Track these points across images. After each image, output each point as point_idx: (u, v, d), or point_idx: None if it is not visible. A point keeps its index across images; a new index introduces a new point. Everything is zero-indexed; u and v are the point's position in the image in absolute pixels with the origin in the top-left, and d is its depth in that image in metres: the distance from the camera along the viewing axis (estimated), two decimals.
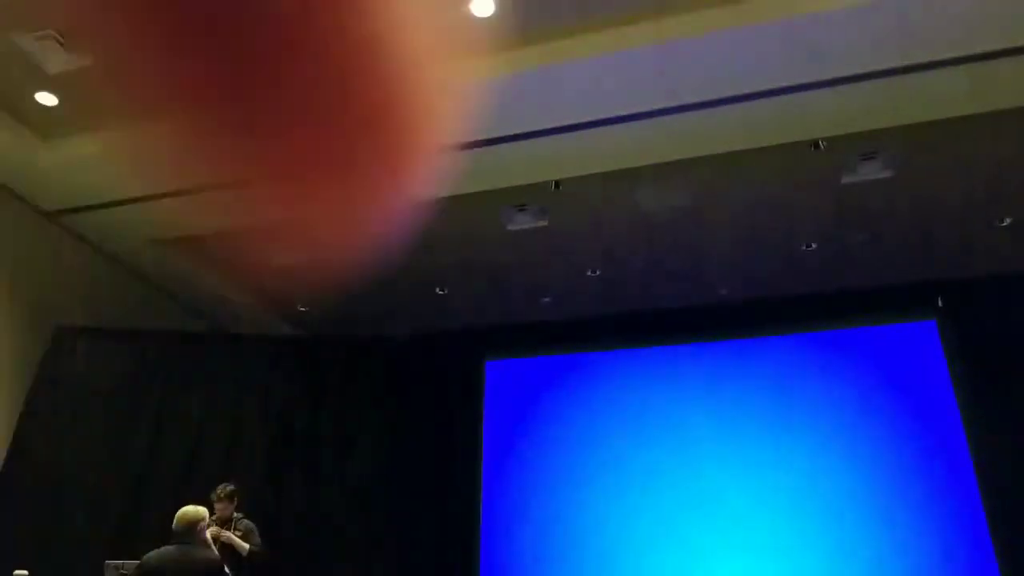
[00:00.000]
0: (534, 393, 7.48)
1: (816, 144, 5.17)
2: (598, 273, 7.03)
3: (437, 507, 7.08)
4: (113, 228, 6.48)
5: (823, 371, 6.73)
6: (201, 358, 6.97)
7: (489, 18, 4.51)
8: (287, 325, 8.21)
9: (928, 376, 6.50)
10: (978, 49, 4.40)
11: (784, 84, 4.71)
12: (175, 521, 4.09)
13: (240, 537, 5.17)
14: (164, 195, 5.75)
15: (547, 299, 7.55)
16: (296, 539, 6.55)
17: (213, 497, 5.26)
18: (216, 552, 4.70)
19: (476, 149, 5.26)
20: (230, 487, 5.36)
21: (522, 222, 6.22)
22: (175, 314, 7.69)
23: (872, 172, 5.59)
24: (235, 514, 5.32)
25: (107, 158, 5.43)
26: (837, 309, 6.92)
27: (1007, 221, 6.14)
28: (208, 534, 4.47)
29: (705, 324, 7.21)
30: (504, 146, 5.22)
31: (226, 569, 4.73)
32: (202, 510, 4.23)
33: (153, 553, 4.02)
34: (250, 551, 5.18)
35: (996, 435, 6.16)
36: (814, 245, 6.53)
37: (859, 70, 4.57)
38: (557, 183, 5.57)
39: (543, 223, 6.22)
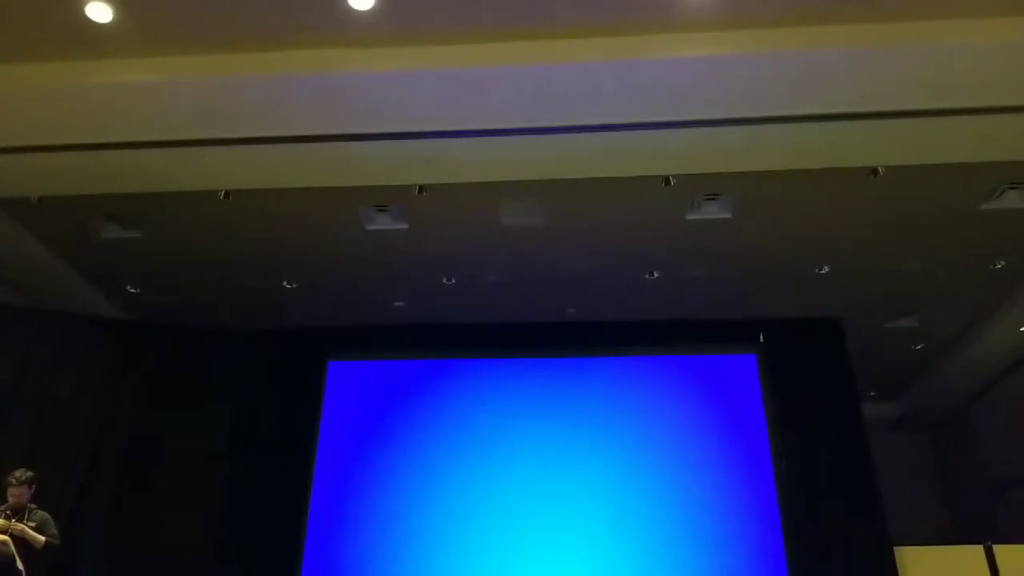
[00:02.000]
0: (376, 396, 7.41)
1: (667, 180, 5.47)
2: (453, 281, 7.07)
3: (266, 505, 6.86)
4: None
5: (653, 393, 7.17)
6: (13, 331, 6.37)
7: (367, 12, 4.46)
8: (115, 307, 7.65)
9: (745, 404, 7.08)
10: (814, 110, 4.84)
11: (643, 120, 4.96)
12: None
13: (34, 529, 4.80)
14: None
15: (400, 303, 7.50)
16: (101, 535, 6.12)
17: (10, 481, 4.84)
18: (5, 545, 4.34)
19: (341, 143, 5.18)
20: (29, 473, 4.97)
21: (382, 223, 6.16)
22: None
23: (713, 212, 5.99)
24: (30, 504, 4.93)
25: None
26: (672, 336, 7.38)
27: (825, 269, 6.77)
28: None
29: (550, 340, 7.46)
30: (370, 143, 5.16)
31: (18, 563, 4.37)
32: None
33: None
34: (47, 543, 4.80)
35: (798, 461, 6.82)
36: (657, 274, 6.90)
37: (713, 115, 4.90)
38: (421, 187, 5.56)
39: (403, 226, 6.19)
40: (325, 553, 6.80)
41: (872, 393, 9.77)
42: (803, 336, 7.37)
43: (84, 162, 5.39)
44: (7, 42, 4.68)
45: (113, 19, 4.51)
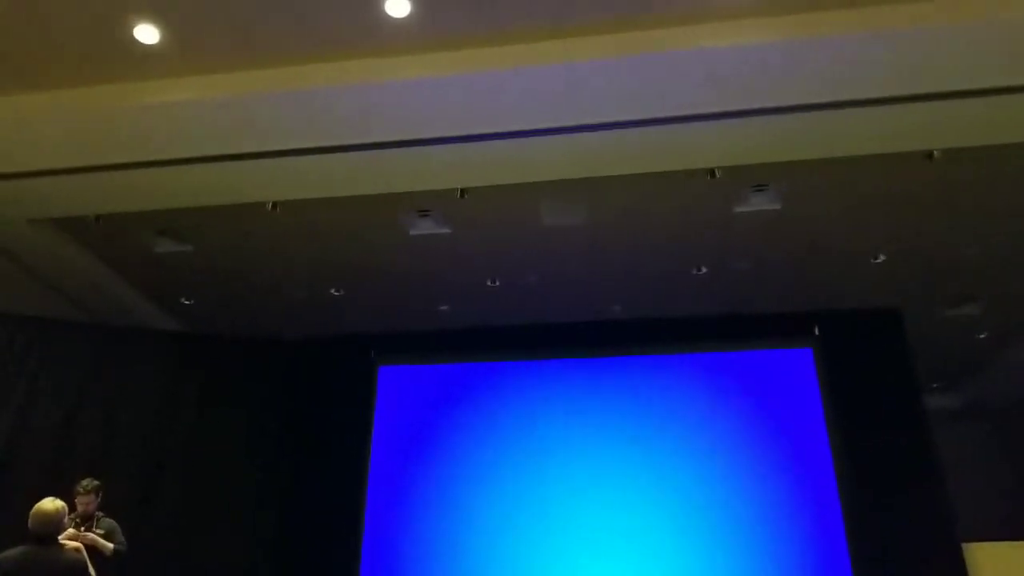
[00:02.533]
0: (427, 401, 7.44)
1: (712, 173, 5.37)
2: (497, 284, 7.07)
3: (321, 512, 6.95)
4: None
5: (707, 391, 7.03)
6: (76, 346, 6.57)
7: (402, 20, 4.48)
8: (169, 320, 7.85)
9: (802, 400, 6.89)
10: (862, 95, 4.70)
11: (686, 113, 4.88)
12: (32, 518, 3.81)
13: (103, 536, 4.93)
14: (42, 172, 5.45)
15: (445, 307, 7.54)
16: (167, 542, 6.27)
17: (78, 491, 4.99)
18: (79, 553, 4.45)
19: (382, 151, 5.21)
20: (95, 482, 5.12)
21: (424, 228, 6.19)
22: (56, 304, 7.22)
23: (762, 203, 5.87)
24: (97, 512, 5.07)
25: None
26: (722, 332, 7.23)
27: (881, 258, 6.57)
28: (66, 536, 4.23)
29: (598, 339, 7.39)
30: (411, 150, 5.19)
31: (90, 571, 4.48)
32: (60, 504, 3.95)
33: (11, 552, 3.73)
34: (115, 550, 4.93)
35: (859, 457, 6.61)
36: (704, 269, 6.79)
37: (756, 105, 4.79)
38: (463, 191, 5.57)
39: (446, 230, 6.21)
40: (381, 558, 6.85)
41: (934, 384, 9.47)
42: (861, 328, 7.14)
43: (137, 180, 5.54)
44: (61, 67, 4.84)
45: (160, 40, 4.62)
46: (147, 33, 4.58)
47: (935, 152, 5.16)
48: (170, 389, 6.81)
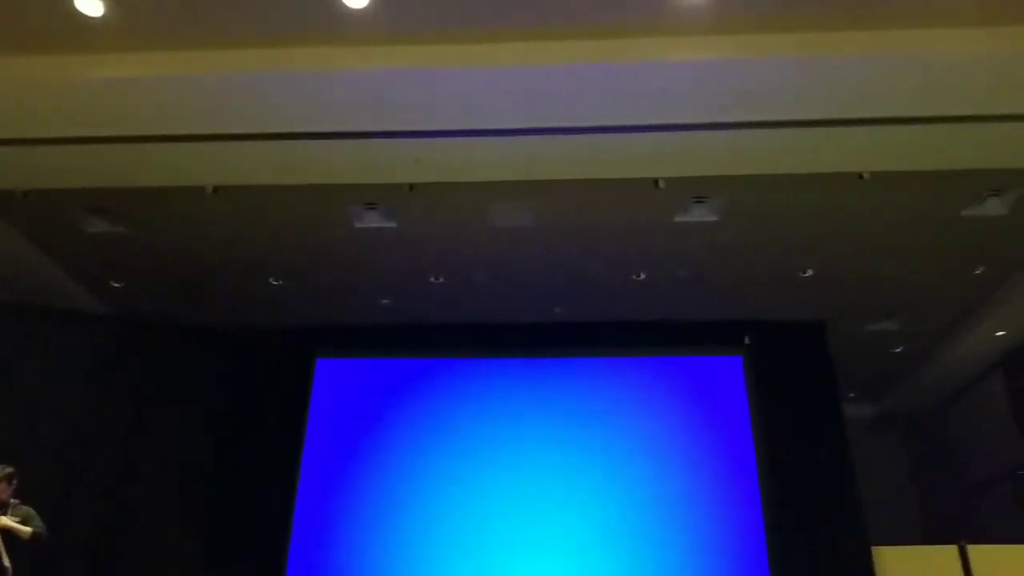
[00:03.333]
0: (363, 396, 7.41)
1: (656, 182, 5.51)
2: (441, 280, 7.08)
3: (252, 503, 6.84)
4: None
5: (640, 393, 7.23)
6: None
7: (360, 11, 4.46)
8: (99, 303, 7.57)
9: (730, 405, 7.16)
10: (802, 116, 4.91)
11: (633, 123, 5.01)
12: None
13: (19, 522, 4.79)
14: None
15: (387, 301, 7.49)
16: (92, 530, 6.08)
17: None
18: None
19: (332, 140, 5.17)
20: (8, 469, 4.98)
21: (371, 221, 6.15)
22: None
23: (702, 214, 6.05)
24: (12, 500, 4.92)
25: None
26: (659, 337, 7.45)
27: (809, 272, 6.86)
28: None
29: (538, 341, 7.49)
30: (362, 141, 5.17)
31: (4, 559, 4.35)
32: None
33: None
34: (34, 533, 4.81)
35: (781, 462, 6.91)
36: (644, 275, 6.95)
37: (701, 119, 4.96)
38: (412, 186, 5.57)
39: (392, 225, 6.19)
40: (311, 551, 6.80)
41: (851, 394, 9.90)
42: (788, 338, 7.47)
43: (71, 156, 5.34)
44: None
45: (104, 13, 4.48)
46: (90, 5, 4.44)
47: (865, 174, 5.42)
48: (97, 374, 6.59)
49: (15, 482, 4.97)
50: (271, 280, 7.12)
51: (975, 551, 6.49)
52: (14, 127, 5.12)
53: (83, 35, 4.64)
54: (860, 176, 5.44)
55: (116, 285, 7.28)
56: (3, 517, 4.78)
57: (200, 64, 4.80)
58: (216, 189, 5.70)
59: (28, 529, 4.80)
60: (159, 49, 4.78)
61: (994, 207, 5.85)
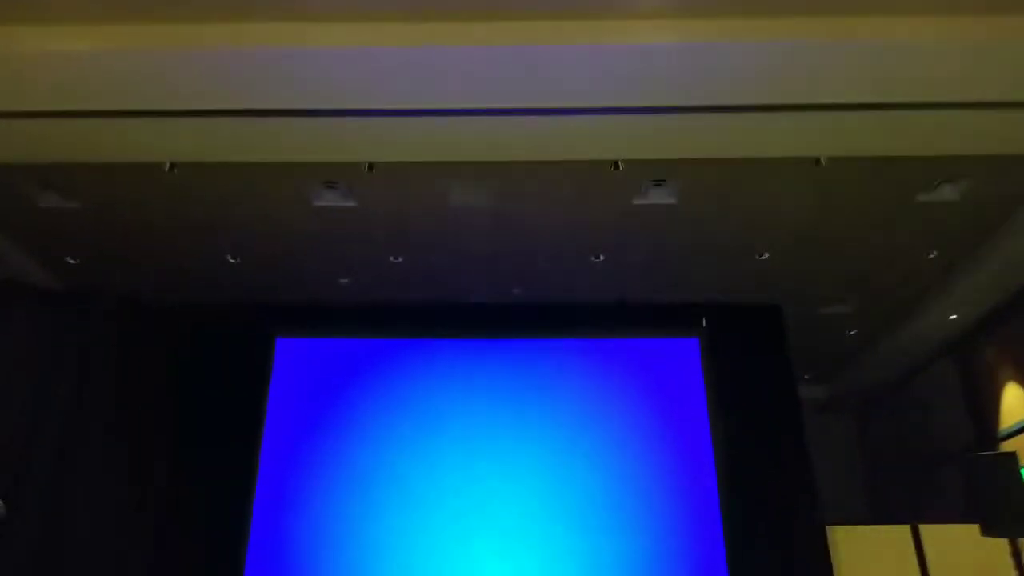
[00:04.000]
0: (324, 375, 7.39)
1: (616, 164, 5.55)
2: (400, 260, 7.07)
3: (210, 487, 6.79)
4: None
5: (598, 375, 7.29)
6: None
7: None
8: (51, 278, 7.44)
9: (686, 388, 7.26)
10: (758, 100, 4.96)
11: (592, 104, 5.01)
12: None
13: None
14: None
15: (345, 280, 7.46)
16: (38, 516, 5.99)
17: None
18: None
19: (291, 118, 5.12)
20: None
21: (329, 199, 6.11)
22: None
23: (660, 197, 6.10)
24: None
25: None
26: (616, 319, 7.51)
27: (765, 256, 6.96)
28: None
29: (496, 321, 7.52)
30: (321, 120, 5.11)
31: None
32: None
33: None
34: None
35: (737, 444, 7.03)
36: (603, 257, 7.00)
37: (660, 103, 4.98)
38: (371, 165, 5.54)
39: (351, 203, 6.15)
40: (271, 537, 6.77)
41: (806, 376, 10.11)
42: (744, 321, 7.58)
43: (21, 129, 5.22)
44: None
45: None
46: None
47: (821, 159, 5.51)
48: (47, 350, 6.46)
49: None
50: (228, 257, 7.05)
51: (927, 530, 6.69)
52: None
53: (36, 5, 4.52)
54: (817, 161, 5.53)
55: (71, 262, 7.16)
56: None
57: (158, 38, 4.71)
58: (173, 166, 5.62)
59: None
60: (115, 22, 4.67)
61: (947, 193, 5.99)
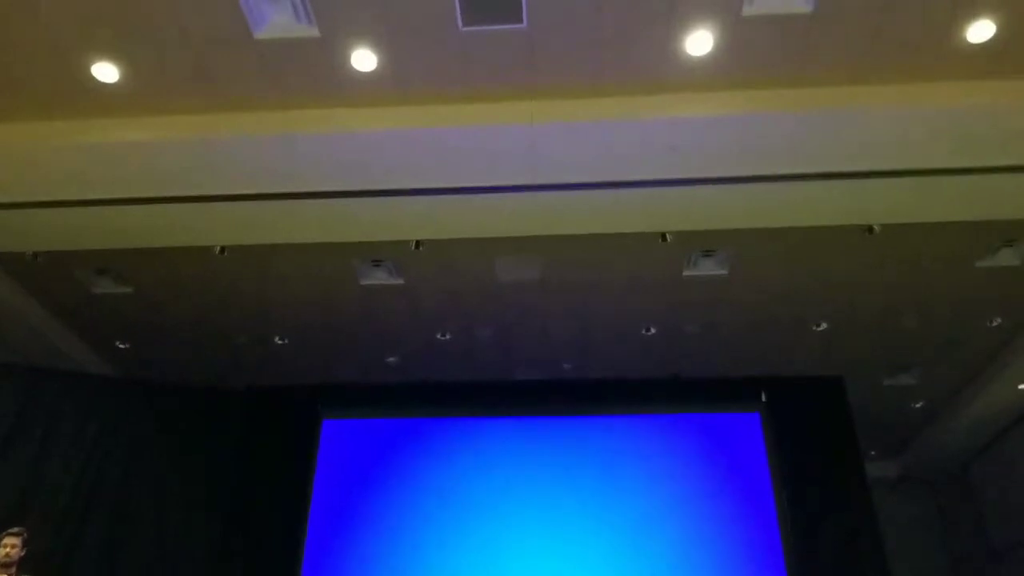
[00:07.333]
0: (370, 456, 7.26)
1: (664, 236, 5.48)
2: (448, 337, 7.02)
3: (257, 567, 6.65)
4: None
5: (656, 453, 7.02)
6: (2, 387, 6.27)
7: (368, 74, 4.53)
8: (104, 364, 7.55)
9: (749, 464, 6.94)
10: (809, 169, 4.88)
11: (639, 178, 4.99)
12: None
13: None
14: None
15: (392, 358, 7.42)
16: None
17: (5, 534, 4.75)
18: None
19: (339, 199, 5.19)
20: (23, 530, 4.86)
21: (377, 278, 6.13)
22: None
23: (710, 268, 6.00)
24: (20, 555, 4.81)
25: None
26: (671, 394, 7.28)
27: (823, 326, 6.75)
28: None
29: (547, 398, 7.36)
30: (368, 200, 5.18)
31: None
32: None
33: None
34: None
35: (803, 522, 6.67)
36: (653, 330, 6.86)
37: (707, 174, 4.94)
38: (418, 243, 5.56)
39: (399, 281, 6.16)
40: None
41: (872, 452, 9.66)
42: (806, 394, 7.28)
43: (81, 218, 5.38)
44: (13, 100, 4.72)
45: (119, 79, 4.56)
46: (106, 71, 4.52)
47: (875, 227, 5.37)
48: (103, 437, 6.51)
49: (25, 544, 4.88)
50: (276, 339, 7.08)
51: None
52: (25, 190, 5.17)
53: (98, 100, 4.71)
54: (870, 229, 5.39)
55: (122, 346, 7.27)
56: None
57: (211, 127, 4.87)
58: (224, 249, 5.71)
59: None
60: (171, 113, 4.86)
61: (1007, 258, 5.79)
